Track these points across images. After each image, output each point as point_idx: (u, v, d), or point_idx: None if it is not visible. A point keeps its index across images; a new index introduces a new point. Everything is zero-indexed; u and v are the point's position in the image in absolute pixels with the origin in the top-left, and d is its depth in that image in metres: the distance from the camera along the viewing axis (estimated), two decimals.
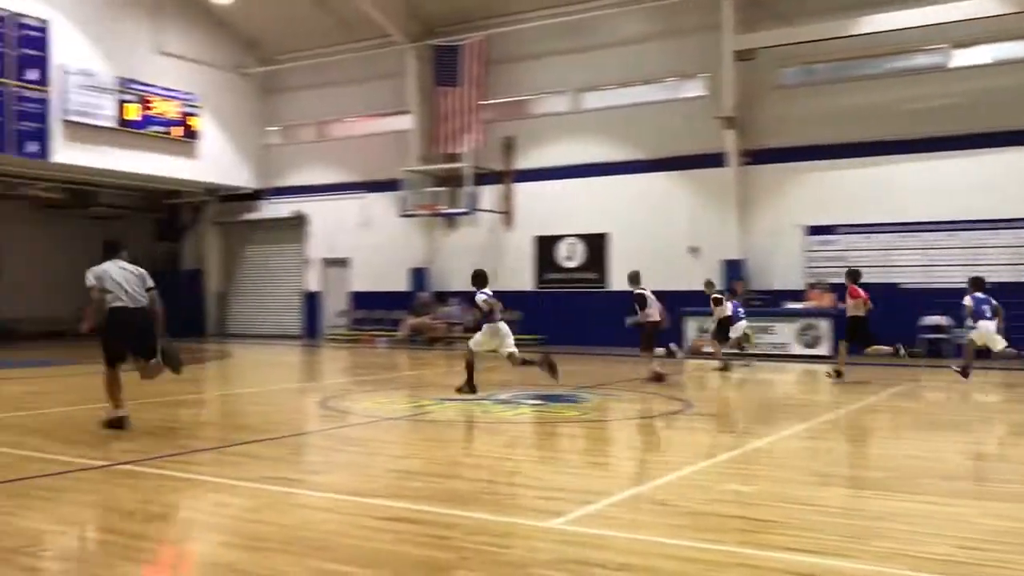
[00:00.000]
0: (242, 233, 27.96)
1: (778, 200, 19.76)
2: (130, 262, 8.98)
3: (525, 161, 22.98)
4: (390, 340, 23.00)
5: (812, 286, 18.71)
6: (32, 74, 20.94)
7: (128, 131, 23.00)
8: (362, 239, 25.12)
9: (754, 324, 16.47)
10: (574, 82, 22.38)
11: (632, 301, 13.22)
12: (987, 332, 12.52)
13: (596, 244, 21.88)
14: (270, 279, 27.46)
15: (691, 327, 18.52)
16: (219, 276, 28.12)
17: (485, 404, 10.60)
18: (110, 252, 9.03)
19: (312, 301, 26.41)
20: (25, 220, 26.28)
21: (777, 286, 19.44)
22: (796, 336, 17.82)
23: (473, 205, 22.38)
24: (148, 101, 23.43)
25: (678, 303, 17.36)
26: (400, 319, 23.23)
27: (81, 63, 21.95)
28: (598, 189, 21.75)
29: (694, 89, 20.92)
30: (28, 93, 20.86)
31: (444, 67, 23.19)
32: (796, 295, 18.80)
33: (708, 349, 16.32)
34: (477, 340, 11.45)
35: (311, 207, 26.24)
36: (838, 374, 13.20)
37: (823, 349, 17.27)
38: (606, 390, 12.37)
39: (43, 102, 21.14)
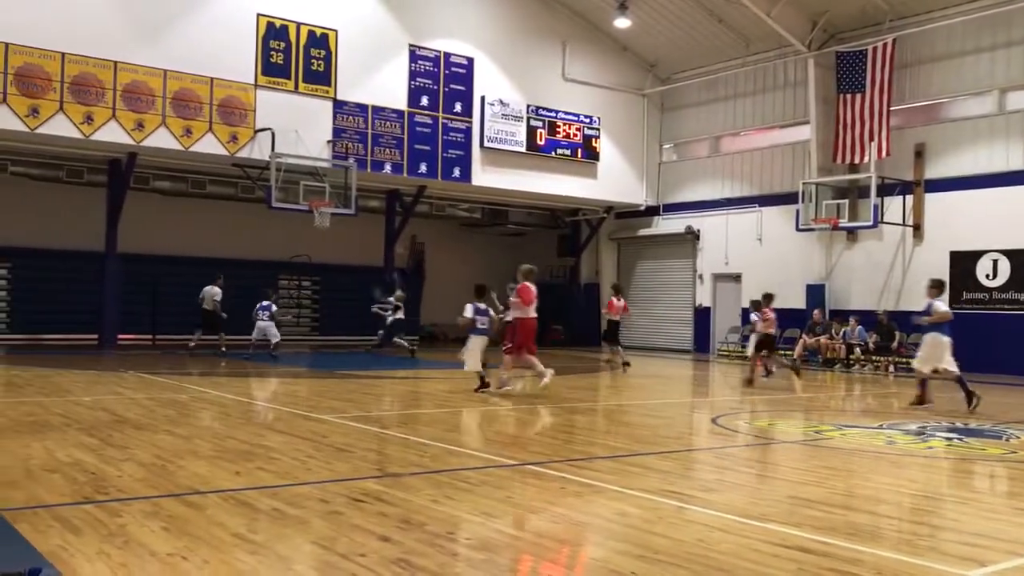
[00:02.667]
0: (635, 248, 28.82)
1: None
2: (220, 287, 19.62)
3: (938, 169, 21.05)
4: (784, 359, 22.27)
5: None
6: (458, 106, 23.54)
7: (536, 155, 24.86)
8: (755, 254, 24.67)
9: None
10: (997, 81, 20.10)
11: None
12: None
13: None
14: (661, 293, 27.96)
15: None
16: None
17: (891, 434, 9.85)
18: (212, 280, 19.62)
19: (703, 316, 26.44)
20: (448, 237, 29.49)
21: None
22: None
23: (878, 218, 20.93)
24: (554, 126, 25.14)
25: None
26: (795, 338, 22.39)
27: (497, 94, 24.17)
28: None
29: None
30: (454, 124, 23.47)
31: (847, 73, 22.03)
32: None
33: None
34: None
35: (703, 222, 26.32)
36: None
37: None
38: None
39: (466, 131, 23.67)
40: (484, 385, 12.72)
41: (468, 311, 12.71)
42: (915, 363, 12.39)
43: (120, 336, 21.34)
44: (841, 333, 21.08)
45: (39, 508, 5.43)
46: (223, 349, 19.59)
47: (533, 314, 12.92)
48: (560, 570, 4.76)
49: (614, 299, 19.57)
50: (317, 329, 26.58)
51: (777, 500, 6.43)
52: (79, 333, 21.79)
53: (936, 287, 12.68)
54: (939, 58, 21.12)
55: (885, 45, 21.37)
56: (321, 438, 8.54)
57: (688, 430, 11.00)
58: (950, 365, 11.91)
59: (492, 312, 13.17)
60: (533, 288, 12.94)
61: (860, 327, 20.71)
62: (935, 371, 12.11)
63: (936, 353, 12.00)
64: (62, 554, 4.47)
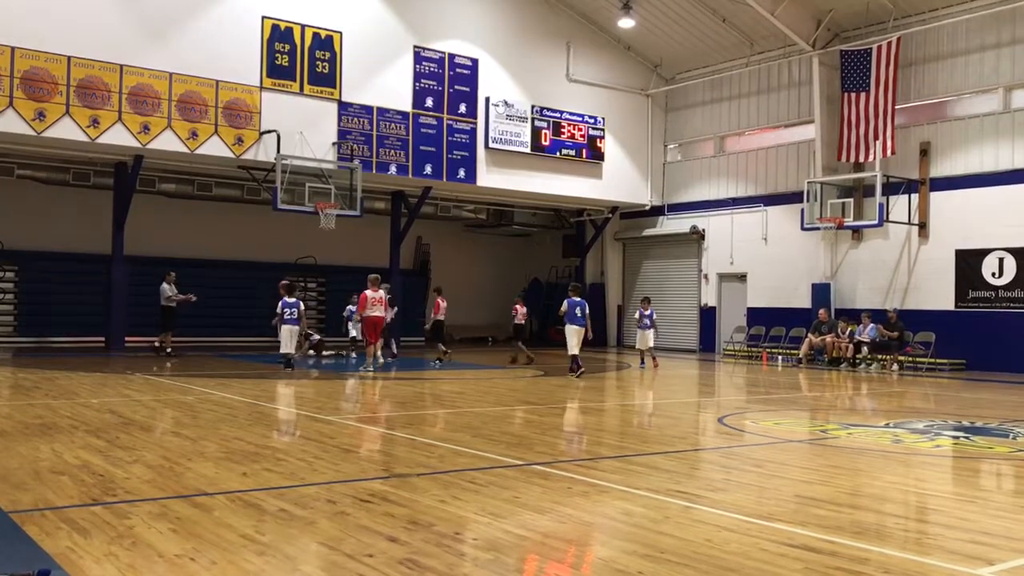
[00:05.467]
0: (641, 248, 28.81)
1: None
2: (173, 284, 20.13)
3: (943, 168, 21.03)
4: (789, 358, 22.27)
5: None
6: (463, 107, 23.56)
7: (541, 155, 24.88)
8: (760, 253, 24.66)
9: None
10: (1002, 79, 20.07)
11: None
12: None
13: None
14: (667, 293, 27.95)
15: None
16: (618, 290, 29.24)
17: (897, 433, 9.84)
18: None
19: (708, 316, 26.43)
20: (452, 238, 29.52)
21: None
22: None
23: (883, 217, 20.90)
24: (559, 126, 25.15)
25: None
26: (800, 336, 22.39)
27: (502, 95, 24.20)
28: None
29: None
30: (459, 125, 23.49)
31: (852, 72, 22.02)
32: None
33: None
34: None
35: (708, 221, 26.32)
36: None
37: None
38: None
39: (471, 132, 23.69)
40: (288, 365, 16.34)
41: (279, 307, 16.57)
42: (570, 349, 16.21)
43: (127, 338, 21.39)
44: (848, 332, 21.03)
45: (47, 510, 5.46)
46: (168, 350, 19.88)
47: (375, 313, 16.52)
48: (567, 570, 4.77)
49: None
50: (323, 330, 26.54)
51: (784, 499, 6.43)
52: (86, 336, 21.86)
53: (573, 290, 16.82)
54: (944, 56, 21.09)
55: (889, 44, 21.34)
56: (328, 439, 8.56)
57: (694, 429, 10.99)
58: (572, 348, 16.12)
59: (302, 306, 16.94)
60: (369, 293, 16.45)
61: (871, 325, 20.64)
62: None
63: (570, 339, 16.16)
64: (71, 556, 4.49)
